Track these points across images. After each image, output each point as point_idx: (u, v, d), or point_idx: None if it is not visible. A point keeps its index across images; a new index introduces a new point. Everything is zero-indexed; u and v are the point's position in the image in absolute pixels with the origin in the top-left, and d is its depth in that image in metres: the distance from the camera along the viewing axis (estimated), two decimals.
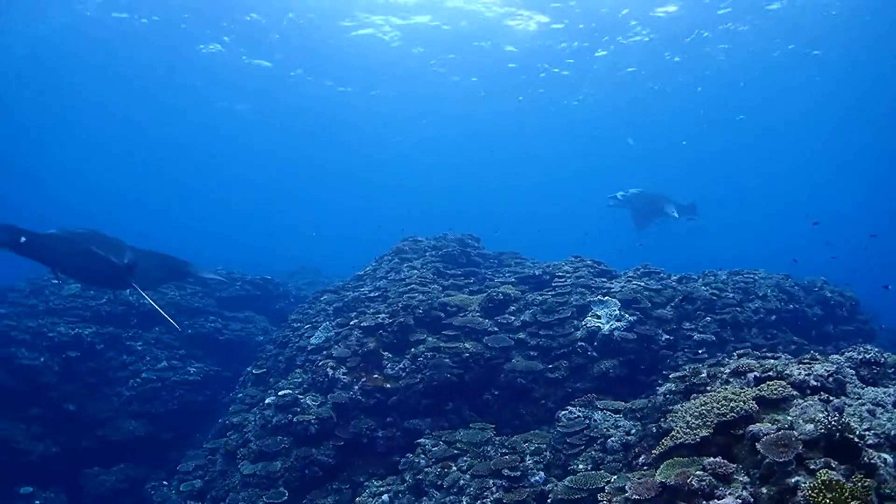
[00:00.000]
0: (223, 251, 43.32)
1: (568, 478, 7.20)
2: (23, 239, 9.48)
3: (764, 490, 4.85)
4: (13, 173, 64.29)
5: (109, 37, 30.16)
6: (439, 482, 8.24)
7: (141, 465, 13.03)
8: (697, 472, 5.12)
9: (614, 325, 10.39)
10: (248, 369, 13.46)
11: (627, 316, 10.57)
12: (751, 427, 5.51)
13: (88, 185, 71.75)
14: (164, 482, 12.19)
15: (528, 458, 8.16)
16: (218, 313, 16.65)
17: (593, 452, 7.85)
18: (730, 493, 4.84)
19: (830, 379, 6.27)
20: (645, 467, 6.48)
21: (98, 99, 39.49)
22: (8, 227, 9.51)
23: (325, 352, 11.37)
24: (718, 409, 5.81)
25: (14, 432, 12.57)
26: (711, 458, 5.26)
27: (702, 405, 6.03)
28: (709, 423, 5.72)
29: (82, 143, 51.89)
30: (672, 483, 5.17)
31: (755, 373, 6.69)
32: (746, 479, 5.06)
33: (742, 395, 6.02)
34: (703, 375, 7.48)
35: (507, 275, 13.32)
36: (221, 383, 14.75)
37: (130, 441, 13.20)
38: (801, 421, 5.44)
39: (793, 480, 4.74)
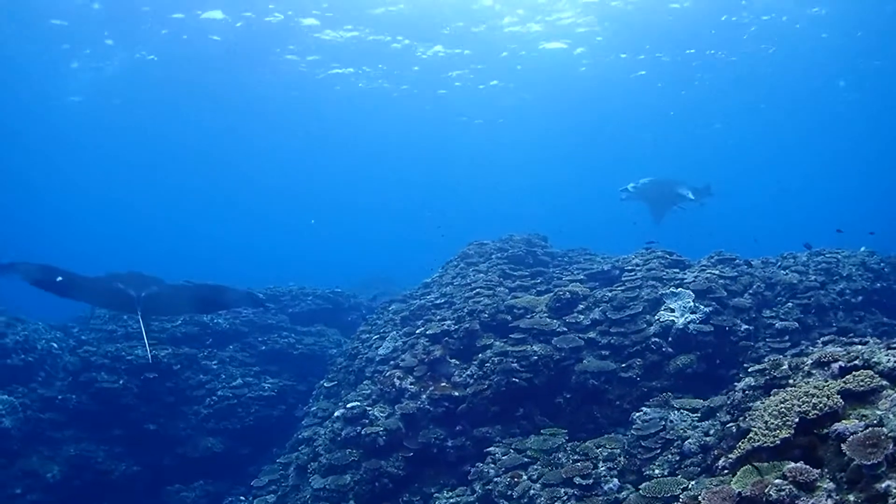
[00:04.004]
0: (297, 269, 44.02)
1: (642, 485, 6.80)
2: (59, 278, 10.65)
3: (851, 497, 4.38)
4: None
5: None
6: (509, 492, 7.93)
7: (220, 481, 13.25)
8: (776, 481, 4.67)
9: (689, 318, 9.85)
10: (321, 382, 13.43)
11: (703, 307, 10.01)
12: (836, 425, 5.01)
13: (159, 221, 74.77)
14: (242, 497, 12.30)
15: (601, 464, 7.77)
16: (291, 328, 16.76)
17: (670, 456, 7.42)
18: None
19: None
20: (724, 471, 6.02)
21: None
22: (47, 267, 10.80)
23: (392, 362, 11.21)
24: (800, 406, 5.33)
25: (96, 453, 13.02)
26: (792, 464, 4.79)
27: (781, 402, 5.55)
28: (789, 423, 5.24)
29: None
30: (748, 493, 4.73)
31: (840, 362, 6.15)
32: (832, 485, 4.58)
33: (825, 388, 5.51)
34: (785, 367, 6.95)
35: (575, 272, 12.88)
36: (297, 397, 14.79)
37: (209, 457, 13.44)
38: (891, 415, 4.93)
39: (883, 485, 4.25)
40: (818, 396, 5.36)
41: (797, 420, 5.22)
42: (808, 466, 4.75)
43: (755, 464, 5.19)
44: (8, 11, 25.23)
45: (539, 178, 64.58)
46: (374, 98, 37.45)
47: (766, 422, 5.44)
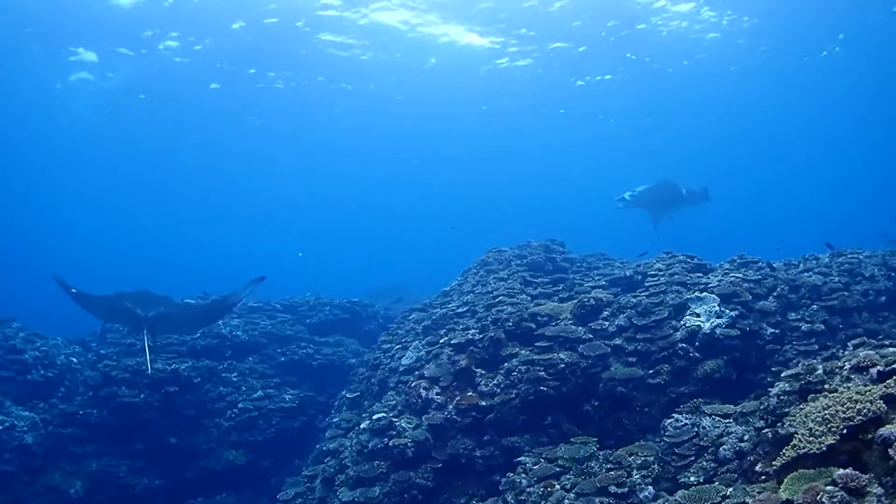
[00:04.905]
0: (308, 280, 44.09)
1: (679, 492, 6.77)
2: (73, 290, 11.26)
3: None
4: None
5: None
6: (542, 502, 7.89)
7: (243, 494, 13.27)
8: (828, 488, 4.64)
9: (715, 323, 9.82)
10: (343, 393, 13.43)
11: (728, 311, 9.97)
12: (881, 430, 4.98)
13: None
14: None
15: (634, 472, 7.73)
16: (309, 339, 16.70)
17: (704, 463, 7.39)
18: None
19: None
20: (763, 477, 6.02)
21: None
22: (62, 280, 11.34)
23: (416, 372, 11.18)
24: (844, 412, 5.30)
25: (119, 468, 13.02)
26: (842, 470, 4.77)
27: (825, 409, 5.53)
28: (835, 430, 5.22)
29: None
30: (800, 501, 4.70)
31: (878, 366, 6.13)
32: (880, 490, 4.57)
33: (868, 393, 5.49)
34: (819, 372, 6.92)
35: (596, 278, 12.84)
36: (317, 408, 14.77)
37: (231, 470, 13.43)
38: None
39: None
40: (861, 402, 5.33)
41: (843, 426, 5.20)
42: (857, 472, 4.73)
43: (801, 470, 5.16)
44: (9, 17, 25.34)
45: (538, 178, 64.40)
46: (377, 101, 37.34)
47: (809, 429, 5.42)
